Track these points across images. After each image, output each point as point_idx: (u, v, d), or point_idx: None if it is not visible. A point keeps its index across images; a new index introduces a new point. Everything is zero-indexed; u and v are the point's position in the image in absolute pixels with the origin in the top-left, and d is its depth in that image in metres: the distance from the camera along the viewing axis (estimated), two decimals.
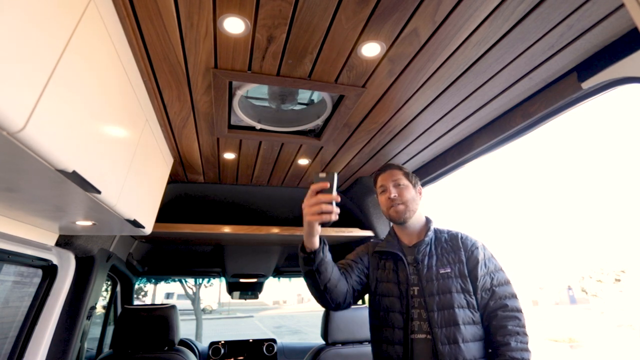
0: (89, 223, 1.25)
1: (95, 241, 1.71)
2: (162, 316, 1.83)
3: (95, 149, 0.84)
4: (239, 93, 1.35)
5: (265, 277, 2.98)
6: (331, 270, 1.19)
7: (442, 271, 1.21)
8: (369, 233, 2.38)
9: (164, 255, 2.82)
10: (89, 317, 1.78)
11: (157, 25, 0.95)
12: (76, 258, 1.64)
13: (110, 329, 2.49)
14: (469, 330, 1.12)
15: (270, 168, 2.09)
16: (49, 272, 1.54)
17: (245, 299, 3.16)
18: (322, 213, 1.01)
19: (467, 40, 1.02)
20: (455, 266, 1.21)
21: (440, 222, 1.38)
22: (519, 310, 1.13)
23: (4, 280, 1.48)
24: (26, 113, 0.56)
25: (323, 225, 1.08)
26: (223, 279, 3.12)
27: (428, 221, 1.36)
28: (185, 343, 2.78)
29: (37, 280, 1.53)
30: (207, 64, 1.11)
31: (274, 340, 2.89)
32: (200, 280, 8.98)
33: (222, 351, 2.75)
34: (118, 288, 2.61)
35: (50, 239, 1.45)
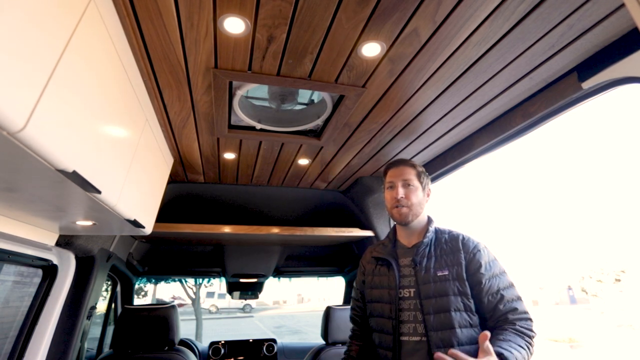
0: (89, 223, 1.25)
1: (96, 241, 1.71)
2: (162, 316, 1.83)
3: (95, 149, 0.84)
4: (239, 93, 1.35)
5: (265, 277, 2.98)
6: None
7: (439, 273, 1.19)
8: (369, 233, 2.38)
9: (164, 255, 2.82)
10: (89, 317, 1.78)
11: (157, 25, 0.95)
12: (76, 258, 1.64)
13: (110, 329, 2.49)
14: (465, 334, 1.11)
15: (271, 168, 2.09)
16: (49, 272, 1.54)
17: (245, 299, 3.16)
18: None
19: (467, 40, 1.02)
20: (453, 269, 1.19)
21: (440, 222, 1.37)
22: (527, 312, 1.13)
23: (4, 280, 1.48)
24: (26, 113, 0.56)
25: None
26: (223, 279, 3.12)
27: (429, 221, 1.33)
28: (185, 343, 2.78)
29: (37, 280, 1.53)
30: (207, 64, 1.11)
31: (274, 340, 2.89)
32: (200, 280, 8.98)
33: (222, 351, 2.75)
34: (118, 288, 2.61)
35: (51, 239, 1.45)
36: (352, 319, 1.49)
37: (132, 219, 1.21)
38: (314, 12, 0.92)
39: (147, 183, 1.37)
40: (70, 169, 0.72)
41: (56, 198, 0.94)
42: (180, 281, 8.92)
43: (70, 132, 0.71)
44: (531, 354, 1.06)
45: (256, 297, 3.13)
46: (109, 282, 2.53)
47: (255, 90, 1.49)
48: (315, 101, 1.56)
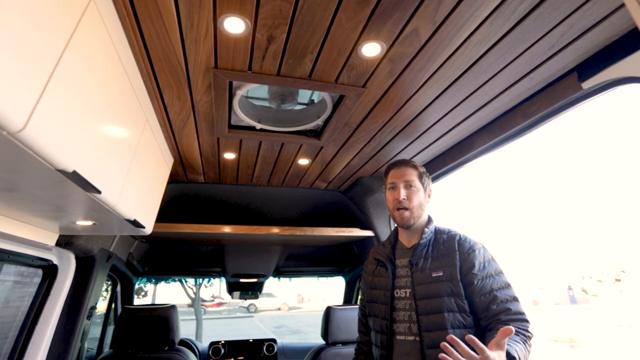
0: (89, 223, 1.25)
1: (96, 241, 1.71)
2: (162, 316, 1.83)
3: (95, 149, 0.84)
4: (239, 93, 1.35)
5: (266, 277, 2.98)
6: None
7: (434, 274, 1.19)
8: (369, 233, 2.38)
9: (164, 255, 2.82)
10: (89, 317, 1.78)
11: (157, 25, 0.95)
12: (76, 258, 1.64)
13: (110, 329, 2.50)
14: (458, 334, 1.10)
15: (271, 168, 2.09)
16: (49, 272, 1.54)
17: (246, 299, 3.16)
18: None
19: (467, 40, 1.02)
20: (447, 269, 1.18)
21: (441, 222, 1.36)
22: (522, 313, 1.10)
23: (4, 280, 1.48)
24: (26, 113, 0.56)
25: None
26: (223, 279, 3.12)
27: (428, 221, 1.32)
28: (185, 343, 2.78)
29: (37, 280, 1.53)
30: (208, 63, 1.11)
31: (274, 340, 2.89)
32: (200, 280, 8.98)
33: (222, 351, 2.75)
34: (118, 288, 2.61)
35: (51, 239, 1.45)
36: (359, 319, 1.52)
37: (132, 219, 1.21)
38: (314, 12, 0.92)
39: (147, 183, 1.37)
40: (70, 169, 0.72)
41: (56, 198, 0.94)
42: (181, 281, 8.93)
43: (70, 132, 0.71)
44: (529, 352, 1.04)
45: (256, 297, 3.13)
46: (109, 282, 2.53)
47: (256, 90, 1.49)
48: (315, 101, 1.56)
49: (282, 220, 2.72)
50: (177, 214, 2.45)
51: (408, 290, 1.23)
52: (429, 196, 1.34)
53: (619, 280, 18.35)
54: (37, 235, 1.33)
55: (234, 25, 0.95)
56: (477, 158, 1.72)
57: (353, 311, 2.06)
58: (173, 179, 2.22)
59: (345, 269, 3.02)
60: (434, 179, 2.01)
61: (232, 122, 1.57)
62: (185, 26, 0.96)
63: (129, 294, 2.71)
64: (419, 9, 0.91)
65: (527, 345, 1.03)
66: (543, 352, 10.86)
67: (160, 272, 2.85)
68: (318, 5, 0.90)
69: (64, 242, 1.52)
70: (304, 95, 1.55)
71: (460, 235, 1.25)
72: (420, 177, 1.31)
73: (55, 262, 1.55)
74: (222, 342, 2.80)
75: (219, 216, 2.59)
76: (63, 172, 0.72)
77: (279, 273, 3.05)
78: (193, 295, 9.98)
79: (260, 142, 1.73)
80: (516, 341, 1.01)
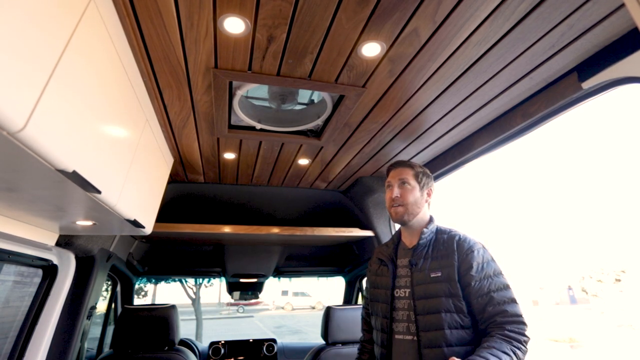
0: (89, 223, 1.25)
1: (96, 241, 1.71)
2: (162, 316, 1.83)
3: (95, 149, 0.84)
4: (239, 93, 1.35)
5: (266, 277, 2.98)
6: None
7: (432, 275, 1.19)
8: (369, 233, 2.38)
9: (164, 255, 2.82)
10: (89, 317, 1.78)
11: (157, 25, 0.95)
12: (76, 258, 1.64)
13: (110, 329, 2.50)
14: (455, 335, 1.11)
15: (271, 168, 2.09)
16: (49, 272, 1.54)
17: (245, 299, 3.16)
18: None
19: (467, 40, 1.02)
20: (445, 270, 1.18)
21: (442, 221, 1.36)
22: (519, 315, 1.09)
23: (4, 280, 1.48)
24: (26, 113, 0.56)
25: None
26: (223, 279, 3.12)
27: (429, 221, 1.32)
28: (185, 343, 2.78)
29: (38, 280, 1.53)
30: (207, 63, 1.11)
31: (274, 340, 2.89)
32: (201, 280, 8.98)
33: (222, 351, 2.75)
34: (118, 288, 2.61)
35: (51, 239, 1.45)
36: (363, 318, 1.53)
37: (132, 219, 1.21)
38: (314, 12, 0.92)
39: (147, 183, 1.37)
40: (70, 169, 0.72)
41: (56, 198, 0.94)
42: (181, 281, 8.93)
43: (70, 132, 0.71)
44: (519, 358, 1.03)
45: (256, 297, 3.14)
46: (109, 282, 2.53)
47: (256, 90, 1.49)
48: (315, 101, 1.56)
49: (282, 220, 2.72)
50: (177, 214, 2.45)
51: (407, 290, 1.24)
52: (429, 195, 1.35)
53: (619, 280, 18.35)
54: (37, 235, 1.33)
55: (234, 25, 0.95)
56: (477, 158, 1.72)
57: (353, 311, 2.06)
58: (173, 179, 2.22)
59: (345, 269, 3.02)
60: (435, 179, 2.00)
61: (232, 122, 1.57)
62: (185, 26, 0.96)
63: (129, 294, 2.71)
64: (419, 9, 0.91)
65: (515, 356, 1.02)
66: (543, 352, 10.86)
67: (160, 272, 2.85)
68: (318, 5, 0.90)
69: (64, 242, 1.52)
70: (304, 95, 1.55)
71: (460, 236, 1.25)
72: (417, 175, 1.33)
73: (55, 262, 1.55)
74: (222, 342, 2.80)
75: (219, 216, 2.59)
76: (63, 172, 0.72)
77: (279, 273, 3.05)
78: (193, 296, 9.98)
79: (260, 142, 1.73)
80: (503, 352, 1.00)
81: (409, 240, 1.34)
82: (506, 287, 1.15)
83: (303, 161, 1.98)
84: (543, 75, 1.18)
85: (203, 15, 0.92)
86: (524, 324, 1.09)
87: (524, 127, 1.40)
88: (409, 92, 1.30)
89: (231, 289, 3.04)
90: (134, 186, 1.18)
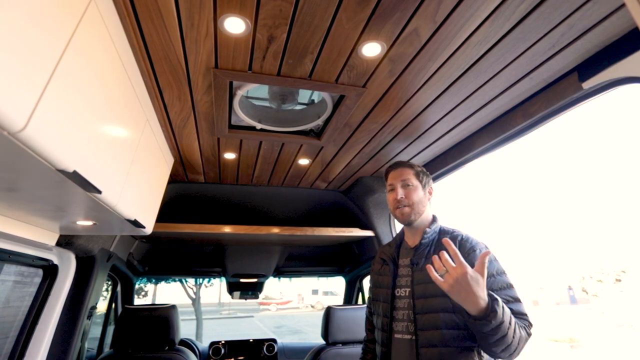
0: (89, 223, 1.25)
1: (96, 241, 1.71)
2: (163, 316, 1.83)
3: (95, 149, 0.84)
4: (240, 93, 1.35)
5: (266, 277, 2.98)
6: None
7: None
8: (369, 233, 2.38)
9: (165, 255, 2.82)
10: (89, 317, 1.78)
11: (157, 25, 0.95)
12: (77, 258, 1.64)
13: (110, 329, 2.50)
14: (452, 335, 1.10)
15: (271, 168, 2.09)
16: (50, 272, 1.54)
17: (246, 299, 3.16)
18: None
19: (467, 40, 1.02)
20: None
21: (443, 221, 1.36)
22: (524, 314, 1.10)
23: (4, 280, 1.48)
24: (27, 113, 0.57)
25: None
26: (223, 279, 3.12)
27: (432, 221, 1.32)
28: (185, 343, 2.78)
29: (38, 280, 1.53)
30: (208, 63, 1.11)
31: (274, 340, 2.89)
32: (201, 280, 8.98)
33: (223, 351, 2.75)
34: (118, 288, 2.61)
35: (51, 239, 1.45)
36: (366, 317, 1.54)
37: (133, 218, 1.21)
38: (314, 12, 0.92)
39: (148, 183, 1.37)
40: (70, 169, 0.72)
41: (56, 198, 0.94)
42: (181, 281, 8.93)
43: (71, 132, 0.71)
44: (522, 339, 1.03)
45: (256, 297, 3.14)
46: (110, 282, 2.53)
47: (256, 90, 1.49)
48: (316, 101, 1.56)
49: (283, 220, 2.72)
50: (177, 214, 2.45)
51: (408, 290, 1.24)
52: (430, 194, 1.35)
53: (619, 280, 18.35)
54: (38, 235, 1.33)
55: (234, 25, 0.95)
56: (478, 158, 1.72)
57: (353, 311, 2.06)
58: (173, 179, 2.22)
59: (346, 269, 3.02)
60: (434, 179, 2.00)
61: (233, 122, 1.57)
62: (186, 26, 0.96)
63: (129, 294, 2.71)
64: (419, 9, 0.91)
65: (522, 330, 1.04)
66: (543, 352, 10.85)
67: (161, 272, 2.85)
68: (318, 5, 0.90)
69: (65, 242, 1.52)
70: (304, 95, 1.55)
71: (462, 236, 1.25)
72: (418, 175, 1.33)
73: (56, 262, 1.55)
74: (222, 342, 2.80)
75: (219, 216, 2.59)
76: (63, 172, 0.72)
77: (279, 273, 3.05)
78: (193, 296, 9.99)
79: (261, 142, 1.73)
80: (511, 315, 1.01)
81: (411, 240, 1.34)
82: (510, 286, 1.15)
83: (303, 161, 1.98)
84: (543, 75, 1.18)
85: (203, 15, 0.92)
86: (529, 322, 1.10)
87: (524, 127, 1.40)
88: (409, 92, 1.30)
89: (231, 289, 3.04)
90: (134, 186, 1.18)
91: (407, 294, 1.24)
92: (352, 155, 1.90)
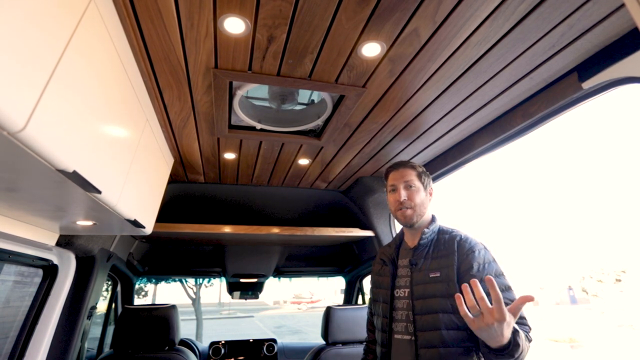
0: (89, 223, 1.25)
1: (96, 241, 1.71)
2: (163, 316, 1.83)
3: (95, 149, 0.84)
4: (240, 93, 1.35)
5: (266, 277, 2.98)
6: None
7: (431, 275, 1.19)
8: (369, 233, 2.38)
9: (165, 255, 2.82)
10: (89, 317, 1.78)
11: (157, 25, 0.95)
12: (77, 258, 1.64)
13: (110, 329, 2.50)
14: (452, 335, 1.10)
15: (271, 168, 2.09)
16: (50, 272, 1.54)
17: (246, 299, 3.16)
18: None
19: (467, 40, 1.02)
20: (445, 270, 1.17)
21: (442, 221, 1.36)
22: (524, 318, 1.08)
23: (4, 280, 1.48)
24: (27, 113, 0.57)
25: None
26: (223, 279, 3.12)
27: (431, 221, 1.32)
28: (185, 343, 2.78)
29: (38, 280, 1.53)
30: (208, 64, 1.11)
31: (274, 340, 2.89)
32: (201, 280, 8.99)
33: (223, 351, 2.75)
34: (118, 288, 2.61)
35: (51, 239, 1.45)
36: (368, 318, 1.55)
37: (133, 219, 1.21)
38: (314, 12, 0.92)
39: (147, 183, 1.37)
40: (70, 169, 0.72)
41: (56, 198, 0.94)
42: (181, 281, 8.94)
43: (71, 132, 0.71)
44: (528, 349, 1.02)
45: (256, 297, 3.14)
46: (109, 282, 2.53)
47: (256, 90, 1.49)
48: (316, 101, 1.56)
49: (282, 220, 2.72)
50: (177, 214, 2.45)
51: (407, 290, 1.24)
52: (430, 195, 1.35)
53: (620, 280, 18.35)
54: (38, 235, 1.33)
55: (234, 25, 0.95)
56: (478, 158, 1.72)
57: (353, 311, 2.06)
58: (173, 179, 2.22)
59: (346, 269, 3.02)
60: (434, 179, 2.00)
61: (232, 122, 1.57)
62: (186, 26, 0.96)
63: (129, 294, 2.71)
64: (419, 9, 0.91)
65: (527, 341, 1.02)
66: (543, 352, 10.85)
67: (161, 272, 2.85)
68: (318, 5, 0.90)
69: (64, 242, 1.52)
70: (304, 95, 1.55)
71: (461, 236, 1.24)
72: (420, 176, 1.32)
73: (56, 262, 1.55)
74: (222, 342, 2.80)
75: (219, 216, 2.59)
76: (63, 172, 0.72)
77: (279, 273, 3.05)
78: (193, 296, 9.99)
79: (261, 142, 1.73)
80: (525, 332, 1.01)
81: (411, 241, 1.34)
82: (508, 288, 1.14)
83: (303, 161, 1.98)
84: (543, 75, 1.18)
85: (203, 15, 0.92)
86: (528, 326, 1.08)
87: (524, 127, 1.40)
88: (409, 92, 1.30)
89: (231, 289, 3.05)
90: (134, 186, 1.18)
91: (406, 295, 1.23)
92: (352, 155, 1.90)
